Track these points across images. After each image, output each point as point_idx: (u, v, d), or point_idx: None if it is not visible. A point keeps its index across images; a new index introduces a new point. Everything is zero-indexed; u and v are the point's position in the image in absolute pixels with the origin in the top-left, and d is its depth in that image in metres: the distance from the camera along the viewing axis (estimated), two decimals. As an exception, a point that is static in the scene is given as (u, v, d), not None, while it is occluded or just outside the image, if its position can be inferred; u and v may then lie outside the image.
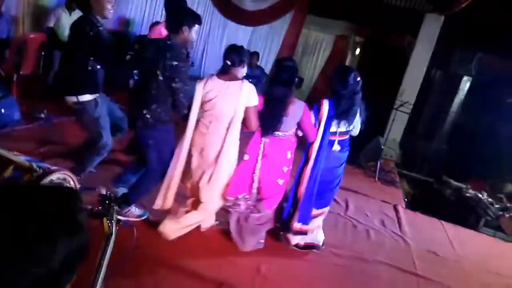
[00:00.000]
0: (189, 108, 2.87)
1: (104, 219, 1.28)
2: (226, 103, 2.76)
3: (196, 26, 2.88)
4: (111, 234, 1.24)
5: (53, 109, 4.84)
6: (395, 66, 7.57)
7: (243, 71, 2.87)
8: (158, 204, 2.97)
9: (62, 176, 1.80)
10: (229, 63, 2.79)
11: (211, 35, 7.97)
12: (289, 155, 3.02)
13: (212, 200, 2.93)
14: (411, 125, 7.43)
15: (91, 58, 2.99)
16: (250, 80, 2.98)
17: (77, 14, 5.80)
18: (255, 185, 3.00)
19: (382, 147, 6.23)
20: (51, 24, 5.62)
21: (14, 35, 5.29)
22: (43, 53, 5.31)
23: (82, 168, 3.22)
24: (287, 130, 2.94)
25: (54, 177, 1.78)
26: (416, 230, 4.30)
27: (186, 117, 2.91)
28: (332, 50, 8.99)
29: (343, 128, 3.05)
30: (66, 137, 4.37)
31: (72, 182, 1.87)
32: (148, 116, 2.81)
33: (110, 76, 3.39)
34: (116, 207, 1.33)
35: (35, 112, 4.77)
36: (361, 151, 5.97)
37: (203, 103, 2.84)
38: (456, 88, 7.83)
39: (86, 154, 3.24)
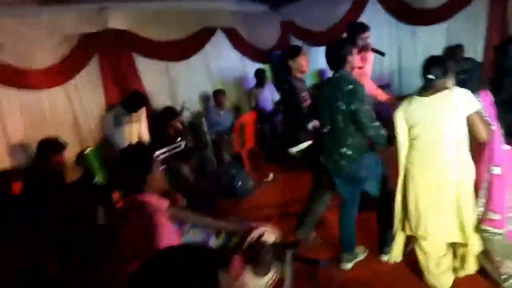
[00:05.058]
0: (389, 139, 2.77)
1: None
2: (439, 121, 2.44)
3: (355, 50, 2.91)
4: (283, 279, 1.32)
5: (275, 171, 5.57)
6: None
7: (451, 81, 2.52)
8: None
9: (261, 231, 2.03)
10: (431, 77, 2.47)
11: (403, 49, 7.56)
12: None
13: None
14: None
15: None
16: (460, 77, 2.71)
17: (269, 88, 6.59)
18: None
19: None
20: (253, 103, 6.57)
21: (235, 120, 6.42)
22: (258, 126, 6.22)
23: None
24: None
25: (256, 233, 2.02)
26: None
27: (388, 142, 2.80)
28: None
29: None
30: (293, 193, 4.86)
31: (272, 235, 2.08)
32: (349, 152, 2.85)
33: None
34: (290, 252, 1.42)
35: (262, 177, 5.56)
36: None
37: (410, 130, 2.59)
38: None
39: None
